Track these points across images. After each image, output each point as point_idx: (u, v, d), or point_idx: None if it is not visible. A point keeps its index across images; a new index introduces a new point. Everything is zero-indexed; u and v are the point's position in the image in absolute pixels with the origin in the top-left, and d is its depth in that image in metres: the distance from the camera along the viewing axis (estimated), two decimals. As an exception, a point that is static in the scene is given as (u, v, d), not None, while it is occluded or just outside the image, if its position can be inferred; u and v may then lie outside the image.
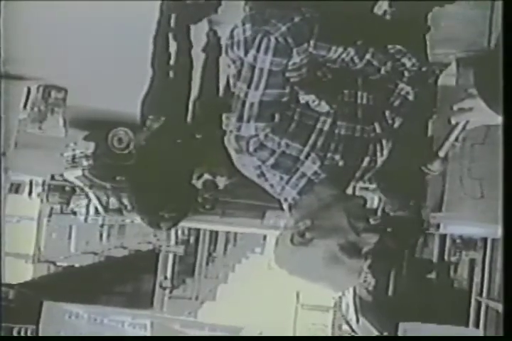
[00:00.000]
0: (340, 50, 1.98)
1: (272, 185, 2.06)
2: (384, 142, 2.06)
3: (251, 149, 1.99)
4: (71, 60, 4.36)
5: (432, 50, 3.88)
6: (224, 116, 2.06)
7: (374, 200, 6.31)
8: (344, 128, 2.00)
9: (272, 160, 1.99)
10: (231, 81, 2.05)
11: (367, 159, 2.04)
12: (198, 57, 2.59)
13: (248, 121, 1.97)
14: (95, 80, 4.76)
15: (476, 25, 3.37)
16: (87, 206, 11.08)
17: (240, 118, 1.98)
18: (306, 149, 1.98)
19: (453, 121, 2.07)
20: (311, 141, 1.97)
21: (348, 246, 1.92)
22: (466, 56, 3.94)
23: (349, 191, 2.04)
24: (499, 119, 1.96)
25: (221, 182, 2.55)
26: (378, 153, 2.05)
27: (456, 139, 2.10)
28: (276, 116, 1.97)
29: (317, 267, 1.94)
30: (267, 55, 1.92)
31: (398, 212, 2.67)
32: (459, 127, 2.08)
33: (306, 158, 1.98)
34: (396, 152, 2.11)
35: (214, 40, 3.03)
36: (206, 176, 2.52)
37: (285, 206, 2.06)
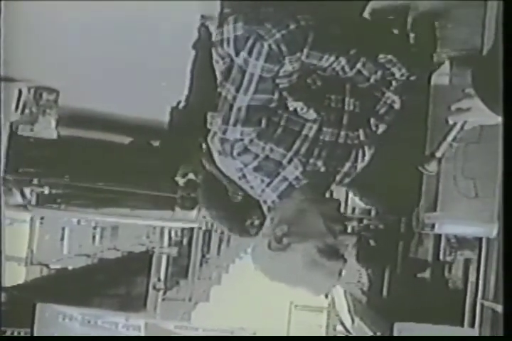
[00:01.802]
0: (332, 59, 1.98)
1: (252, 187, 2.06)
2: (366, 148, 2.07)
3: (235, 153, 1.98)
4: (63, 61, 4.34)
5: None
6: (209, 114, 2.04)
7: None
8: (329, 134, 2.00)
9: (254, 164, 1.98)
10: (218, 78, 2.04)
11: (348, 164, 2.04)
12: (189, 54, 2.57)
13: (234, 124, 1.96)
14: (87, 82, 4.74)
15: (469, 24, 3.36)
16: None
17: (227, 122, 1.96)
18: (290, 154, 1.98)
19: (451, 121, 2.06)
20: (295, 147, 1.97)
21: (326, 249, 1.94)
22: (459, 55, 3.94)
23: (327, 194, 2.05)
24: (497, 119, 1.95)
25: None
26: (359, 159, 2.06)
27: (454, 139, 2.10)
28: (263, 122, 1.96)
29: (297, 271, 1.94)
30: (259, 61, 1.91)
31: (385, 217, 2.67)
32: (457, 127, 2.08)
33: (289, 163, 1.98)
34: (379, 158, 2.11)
35: (205, 35, 2.99)
36: (190, 176, 2.52)
37: (264, 208, 2.06)
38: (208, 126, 2.07)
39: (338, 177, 2.08)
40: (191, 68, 2.24)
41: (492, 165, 4.04)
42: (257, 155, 1.99)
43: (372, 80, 2.05)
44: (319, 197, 2.03)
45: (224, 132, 1.99)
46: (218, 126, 1.99)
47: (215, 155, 2.07)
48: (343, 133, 2.03)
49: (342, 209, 6.97)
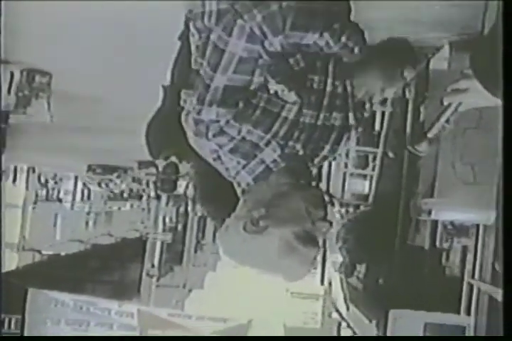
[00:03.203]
0: (316, 36, 1.92)
1: (227, 169, 1.98)
2: (353, 132, 2.03)
3: (210, 135, 1.90)
4: (56, 44, 4.29)
5: (425, 34, 3.82)
6: (183, 92, 1.96)
7: (365, 187, 6.25)
8: (309, 116, 1.94)
9: (230, 145, 1.92)
10: (193, 53, 1.97)
11: (327, 147, 1.99)
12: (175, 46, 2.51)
13: (210, 105, 1.88)
14: (80, 65, 4.69)
15: (470, 9, 3.29)
16: (74, 193, 11.02)
17: (202, 101, 1.89)
18: (268, 137, 1.91)
19: (445, 102, 2.00)
20: (274, 129, 1.91)
21: (304, 235, 1.88)
22: (459, 40, 3.87)
23: (307, 179, 2.01)
24: (495, 101, 1.89)
25: (185, 167, 2.46)
26: (342, 143, 2.02)
27: (447, 121, 2.04)
28: (241, 103, 1.89)
29: (271, 256, 1.88)
30: (240, 41, 1.84)
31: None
32: (451, 108, 2.01)
33: (267, 145, 1.92)
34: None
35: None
36: (172, 159, 2.44)
37: (238, 190, 2.00)
38: (182, 103, 1.99)
39: (316, 161, 2.03)
40: (175, 57, 2.17)
41: (491, 151, 3.98)
42: (232, 138, 1.92)
43: (356, 51, 1.99)
44: (301, 182, 1.97)
45: (199, 112, 1.91)
46: (193, 106, 1.92)
47: (190, 135, 1.99)
48: (322, 115, 1.97)
49: (339, 195, 6.96)
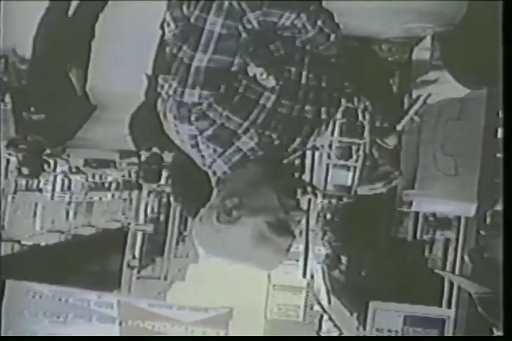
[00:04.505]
0: (293, 16, 1.92)
1: (202, 156, 1.99)
2: (323, 127, 2.04)
3: (192, 118, 1.91)
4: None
5: (410, 24, 3.78)
6: (160, 77, 1.95)
7: (348, 178, 6.25)
8: (286, 107, 1.94)
9: (209, 132, 1.91)
10: (170, 41, 1.95)
11: (298, 140, 2.01)
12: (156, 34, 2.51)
13: (193, 87, 1.88)
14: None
15: (455, -1, 3.27)
16: (54, 182, 10.87)
17: (184, 84, 1.89)
18: (246, 124, 1.93)
19: (414, 95, 2.03)
20: (252, 117, 1.93)
21: (277, 224, 1.90)
22: (444, 30, 3.84)
23: (283, 170, 2.02)
24: (464, 91, 1.91)
25: (168, 157, 2.45)
26: (312, 137, 2.03)
27: (416, 113, 2.06)
28: (222, 86, 1.88)
29: (244, 246, 1.89)
30: (219, 18, 1.84)
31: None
32: (420, 101, 2.04)
33: (244, 133, 1.93)
34: None
35: None
36: (154, 150, 2.43)
37: (213, 180, 2.00)
38: (159, 89, 1.97)
39: (288, 152, 2.04)
40: (157, 47, 2.17)
41: (473, 142, 3.96)
42: (214, 122, 1.92)
43: (332, 38, 2.01)
44: (275, 171, 1.98)
45: (181, 95, 1.90)
46: (174, 89, 1.90)
47: (169, 120, 1.97)
48: (297, 106, 1.99)
49: (322, 187, 6.92)
